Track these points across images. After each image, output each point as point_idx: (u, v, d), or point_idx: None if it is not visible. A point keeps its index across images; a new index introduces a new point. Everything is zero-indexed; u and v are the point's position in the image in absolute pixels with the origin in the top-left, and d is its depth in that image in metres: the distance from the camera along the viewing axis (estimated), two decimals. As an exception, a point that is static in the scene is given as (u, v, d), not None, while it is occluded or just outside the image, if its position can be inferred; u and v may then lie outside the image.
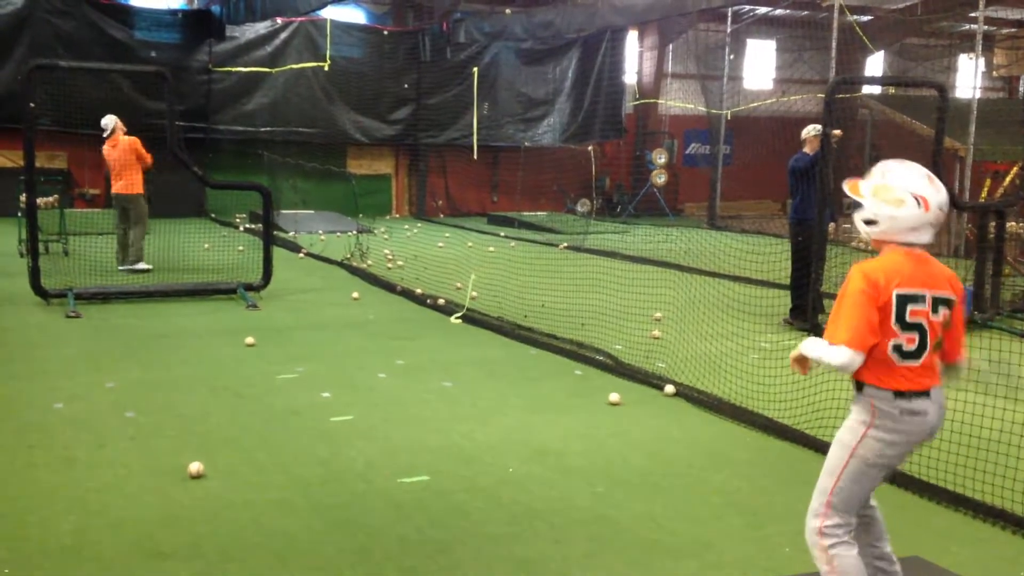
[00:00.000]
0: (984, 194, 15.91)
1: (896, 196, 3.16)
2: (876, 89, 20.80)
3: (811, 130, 9.39)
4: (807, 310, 9.07)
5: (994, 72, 24.68)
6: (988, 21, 18.67)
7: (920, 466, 5.04)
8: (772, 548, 4.22)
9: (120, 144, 12.02)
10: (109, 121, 12.10)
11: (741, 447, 5.67)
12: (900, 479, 5.01)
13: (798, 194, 9.43)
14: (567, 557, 4.08)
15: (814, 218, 9.05)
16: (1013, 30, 22.74)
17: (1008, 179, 15.58)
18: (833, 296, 10.71)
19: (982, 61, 16.17)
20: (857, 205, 3.28)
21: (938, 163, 9.17)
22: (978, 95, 15.19)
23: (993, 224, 9.72)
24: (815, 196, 8.98)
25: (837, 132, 9.27)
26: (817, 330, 8.82)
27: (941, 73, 21.30)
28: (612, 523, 4.46)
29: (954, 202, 10.31)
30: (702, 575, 3.95)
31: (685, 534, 4.35)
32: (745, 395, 6.52)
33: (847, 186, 3.32)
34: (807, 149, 9.39)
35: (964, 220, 14.96)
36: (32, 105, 9.41)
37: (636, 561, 4.06)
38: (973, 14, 16.06)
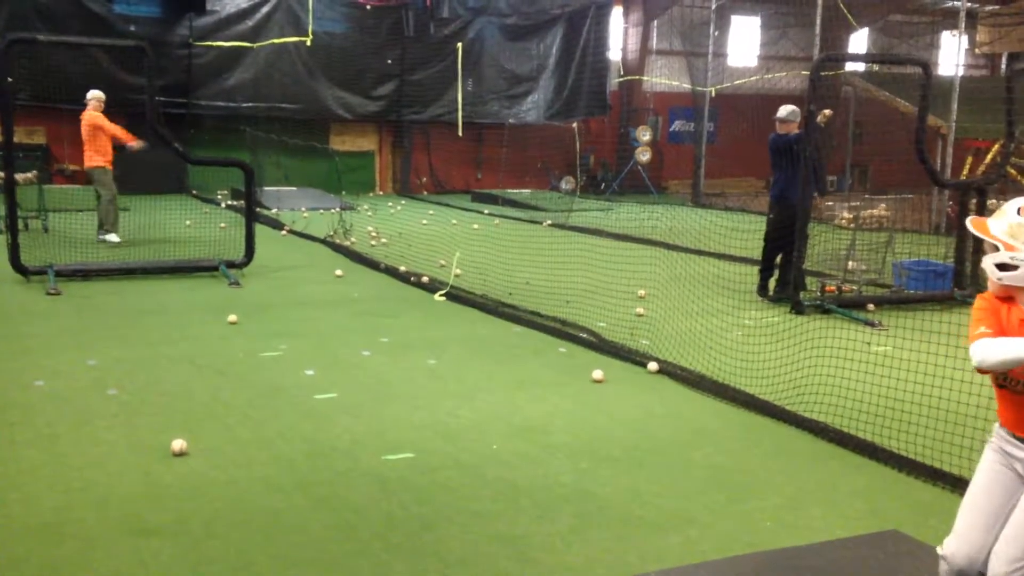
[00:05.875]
0: (965, 171, 16.02)
1: None
2: (859, 66, 20.84)
3: (789, 114, 9.30)
4: (788, 285, 9.12)
5: (976, 49, 24.70)
6: (971, -2, 18.70)
7: (899, 441, 5.09)
8: (754, 523, 4.26)
9: (84, 119, 12.29)
10: (89, 95, 12.32)
11: (724, 423, 5.71)
12: (881, 454, 5.07)
13: (780, 171, 9.41)
14: (551, 533, 4.11)
15: (795, 197, 9.04)
16: (995, 7, 22.78)
17: (989, 156, 15.67)
18: (816, 273, 10.68)
19: (965, 38, 16.18)
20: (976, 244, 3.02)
21: (921, 140, 9.20)
22: (961, 72, 15.23)
23: (974, 201, 9.80)
24: (799, 175, 8.97)
25: (828, 112, 9.23)
26: (800, 307, 8.87)
27: (924, 50, 21.34)
28: (596, 499, 4.49)
29: (936, 179, 10.37)
30: (685, 549, 3.98)
31: (668, 509, 4.39)
32: (728, 372, 6.56)
33: (972, 225, 2.96)
34: (780, 130, 9.34)
35: (945, 197, 15.06)
36: (10, 80, 9.30)
37: (620, 536, 4.10)
38: (956, -9, 16.08)
